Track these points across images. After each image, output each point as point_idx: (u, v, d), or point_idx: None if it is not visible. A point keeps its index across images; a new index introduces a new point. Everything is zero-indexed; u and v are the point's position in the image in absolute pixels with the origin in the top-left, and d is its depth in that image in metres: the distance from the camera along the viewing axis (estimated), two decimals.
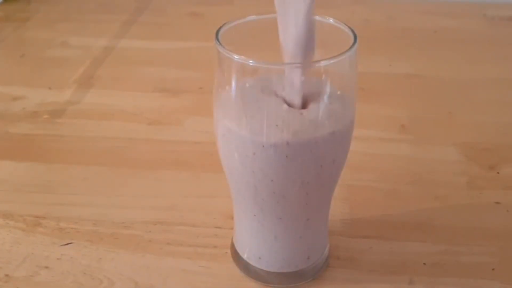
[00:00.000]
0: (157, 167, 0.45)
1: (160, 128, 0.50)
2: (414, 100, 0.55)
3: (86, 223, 0.39)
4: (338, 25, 0.29)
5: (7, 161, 0.46)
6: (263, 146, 0.27)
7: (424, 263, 0.35)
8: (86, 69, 0.61)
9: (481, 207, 0.40)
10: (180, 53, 0.66)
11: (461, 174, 0.44)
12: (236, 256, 0.35)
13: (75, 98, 0.56)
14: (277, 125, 0.27)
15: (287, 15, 0.27)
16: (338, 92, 0.28)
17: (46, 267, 0.35)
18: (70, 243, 0.37)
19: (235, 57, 0.26)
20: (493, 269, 0.35)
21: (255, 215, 0.31)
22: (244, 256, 0.35)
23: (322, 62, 0.26)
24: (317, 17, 0.29)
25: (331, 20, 0.30)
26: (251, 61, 0.26)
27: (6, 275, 0.35)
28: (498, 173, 0.44)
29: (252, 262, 0.34)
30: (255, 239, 0.33)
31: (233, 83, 0.28)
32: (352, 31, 0.28)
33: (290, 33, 0.27)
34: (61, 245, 0.37)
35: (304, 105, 0.28)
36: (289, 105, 0.28)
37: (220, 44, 0.27)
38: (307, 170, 0.28)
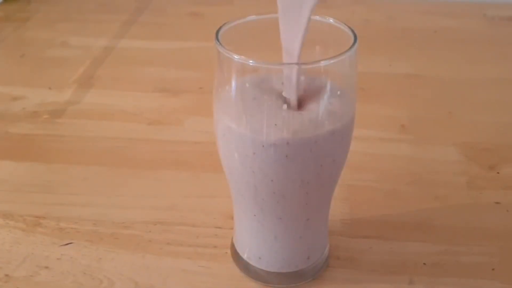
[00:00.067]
0: (157, 167, 0.45)
1: (160, 128, 0.50)
2: (414, 100, 0.55)
3: (86, 223, 0.39)
4: (338, 25, 0.29)
5: (7, 161, 0.46)
6: (263, 145, 0.27)
7: (424, 263, 0.35)
8: (86, 69, 0.61)
9: (481, 207, 0.40)
10: (180, 53, 0.66)
11: (461, 174, 0.44)
12: (236, 256, 0.35)
13: (75, 98, 0.56)
14: (277, 125, 0.27)
15: (289, 15, 0.27)
16: (338, 92, 0.28)
17: (46, 267, 0.35)
18: (70, 243, 0.37)
19: (235, 57, 0.26)
20: (493, 269, 0.35)
21: (255, 215, 0.31)
22: (244, 256, 0.35)
23: (322, 62, 0.26)
24: (317, 17, 0.29)
25: (331, 20, 0.30)
26: (251, 61, 0.26)
27: (6, 275, 0.35)
28: (498, 173, 0.44)
29: (252, 262, 0.34)
30: (255, 239, 0.33)
31: (233, 83, 0.28)
32: (352, 31, 0.28)
33: (292, 33, 0.27)
34: (61, 245, 0.37)
35: (304, 105, 0.28)
36: (289, 104, 0.28)
37: (220, 44, 0.27)
38: (307, 170, 0.28)
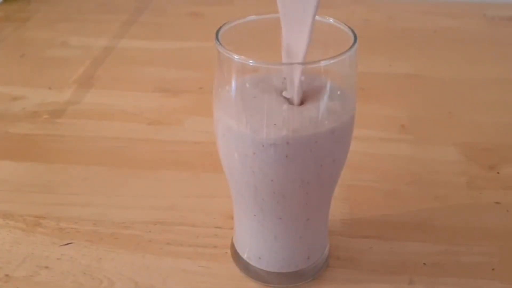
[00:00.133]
0: (157, 167, 0.45)
1: (160, 128, 0.50)
2: (414, 100, 0.55)
3: (86, 223, 0.39)
4: (338, 25, 0.29)
5: (7, 161, 0.46)
6: (263, 145, 0.27)
7: (424, 263, 0.35)
8: (86, 69, 0.61)
9: (481, 207, 0.40)
10: (180, 53, 0.66)
11: (461, 174, 0.44)
12: (236, 256, 0.35)
13: (75, 98, 0.56)
14: (276, 124, 0.27)
15: (292, 15, 0.27)
16: (338, 92, 0.28)
17: (46, 267, 0.35)
18: (70, 243, 0.37)
19: (235, 57, 0.26)
20: (493, 269, 0.35)
21: (255, 215, 0.31)
22: (244, 256, 0.35)
23: (322, 62, 0.26)
24: (317, 17, 0.29)
25: (331, 20, 0.30)
26: (251, 61, 0.26)
27: (6, 275, 0.35)
28: (498, 173, 0.44)
29: (252, 262, 0.34)
30: (255, 239, 0.33)
31: (233, 83, 0.28)
32: (352, 31, 0.28)
33: (297, 33, 0.27)
34: (61, 245, 0.37)
35: (304, 104, 0.28)
36: (290, 102, 0.28)
37: (220, 44, 0.27)
38: (307, 170, 0.28)
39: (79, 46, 0.67)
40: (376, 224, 0.39)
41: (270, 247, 0.33)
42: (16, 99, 0.55)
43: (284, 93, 0.28)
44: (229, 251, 0.36)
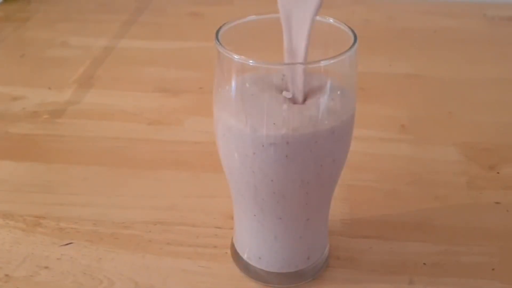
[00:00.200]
0: (157, 167, 0.45)
1: (160, 128, 0.50)
2: (414, 100, 0.55)
3: (86, 223, 0.39)
4: (338, 25, 0.29)
5: (7, 161, 0.46)
6: (263, 145, 0.27)
7: (424, 263, 0.35)
8: (86, 69, 0.61)
9: (481, 207, 0.40)
10: (180, 53, 0.66)
11: (461, 174, 0.44)
12: (236, 256, 0.35)
13: (75, 98, 0.56)
14: (277, 124, 0.27)
15: (293, 15, 0.27)
16: (338, 92, 0.28)
17: (46, 267, 0.35)
18: (70, 243, 0.37)
19: (235, 57, 0.26)
20: (493, 269, 0.35)
21: (255, 215, 0.31)
22: (244, 256, 0.35)
23: (322, 62, 0.26)
24: (317, 17, 0.29)
25: (331, 20, 0.30)
26: (251, 61, 0.26)
27: (6, 275, 0.35)
28: (498, 173, 0.44)
29: (252, 262, 0.34)
30: (255, 239, 0.33)
31: (233, 83, 0.28)
32: (352, 31, 0.28)
33: (298, 32, 0.27)
34: (61, 245, 0.37)
35: (304, 103, 0.28)
36: (290, 101, 0.28)
37: (220, 44, 0.27)
38: (307, 170, 0.28)
39: (79, 46, 0.67)
40: (376, 224, 0.39)
41: (270, 247, 0.33)
42: (16, 99, 0.55)
43: (284, 93, 0.28)
44: (229, 251, 0.36)
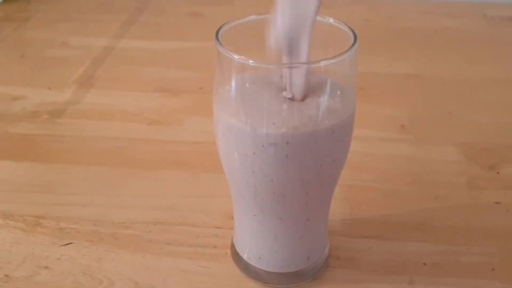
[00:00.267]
0: (157, 167, 0.45)
1: (160, 128, 0.50)
2: (414, 100, 0.55)
3: (86, 223, 0.39)
4: (338, 25, 0.29)
5: (7, 161, 0.46)
6: (263, 145, 0.27)
7: (424, 263, 0.35)
8: (86, 69, 0.61)
9: (481, 207, 0.40)
10: (180, 53, 0.66)
11: (461, 174, 0.44)
12: (236, 256, 0.35)
13: (75, 98, 0.56)
14: (276, 123, 0.27)
15: (294, 14, 0.27)
16: (338, 92, 0.28)
17: (46, 267, 0.35)
18: (70, 243, 0.37)
19: (235, 57, 0.26)
20: (493, 269, 0.35)
21: (255, 215, 0.31)
22: (244, 256, 0.35)
23: (322, 62, 0.26)
24: (317, 17, 0.29)
25: (331, 20, 0.30)
26: (251, 61, 0.26)
27: (6, 275, 0.35)
28: (498, 173, 0.44)
29: (252, 262, 0.34)
30: (255, 239, 0.33)
31: (233, 83, 0.28)
32: (352, 31, 0.28)
33: (299, 32, 0.27)
34: (61, 245, 0.37)
35: (304, 102, 0.28)
36: (290, 100, 0.28)
37: (220, 44, 0.27)
38: (307, 170, 0.28)
39: (79, 46, 0.67)
40: (376, 224, 0.39)
41: (270, 247, 0.33)
42: (16, 99, 0.55)
43: (284, 93, 0.28)
44: (229, 251, 0.36)
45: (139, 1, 0.82)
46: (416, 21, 0.75)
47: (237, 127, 0.28)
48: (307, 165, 0.28)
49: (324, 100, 0.28)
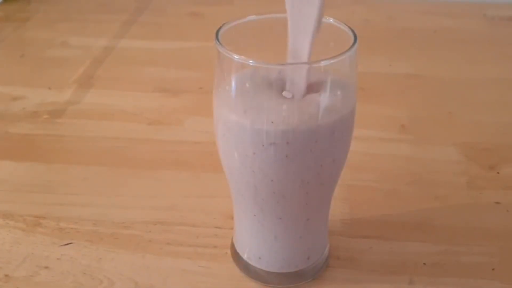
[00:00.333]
0: (157, 167, 0.45)
1: (160, 128, 0.50)
2: (414, 100, 0.55)
3: (86, 223, 0.39)
4: (338, 25, 0.29)
5: (7, 161, 0.46)
6: (263, 145, 0.27)
7: (424, 263, 0.35)
8: (86, 69, 0.61)
9: (481, 207, 0.40)
10: (180, 53, 0.66)
11: (461, 174, 0.44)
12: (236, 256, 0.35)
13: (75, 98, 0.56)
14: (276, 123, 0.27)
15: (298, 15, 0.27)
16: (338, 92, 0.28)
17: (46, 267, 0.35)
18: (70, 243, 0.37)
19: (235, 57, 0.26)
20: (493, 269, 0.35)
21: (255, 215, 0.31)
22: (244, 256, 0.35)
23: (322, 62, 0.26)
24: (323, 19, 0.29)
25: (331, 20, 0.30)
26: (251, 61, 0.26)
27: (6, 275, 0.35)
28: (498, 173, 0.44)
29: (252, 262, 0.34)
30: (255, 239, 0.33)
31: (233, 83, 0.28)
32: (352, 31, 0.28)
33: (302, 33, 0.27)
34: (61, 245, 0.37)
35: (304, 102, 0.28)
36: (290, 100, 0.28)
37: (220, 44, 0.27)
38: (307, 170, 0.28)
39: (79, 46, 0.67)
40: (376, 224, 0.39)
41: (270, 247, 0.33)
42: (16, 99, 0.55)
43: (284, 93, 0.28)
44: (229, 251, 0.36)
45: (139, 1, 0.82)
46: (416, 21, 0.75)
47: (237, 127, 0.28)
48: (307, 165, 0.28)
49: (324, 100, 0.28)
